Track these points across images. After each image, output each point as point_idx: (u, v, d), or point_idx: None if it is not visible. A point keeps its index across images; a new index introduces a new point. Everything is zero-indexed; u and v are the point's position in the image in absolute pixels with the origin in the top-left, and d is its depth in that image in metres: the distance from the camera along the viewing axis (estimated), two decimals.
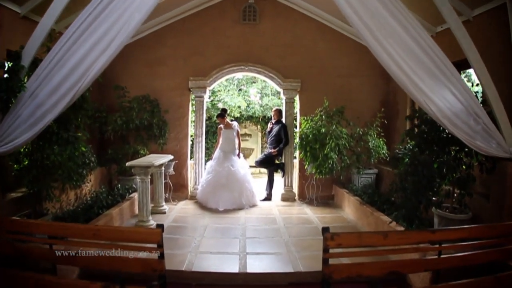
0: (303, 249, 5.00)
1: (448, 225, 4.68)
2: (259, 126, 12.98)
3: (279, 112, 7.95)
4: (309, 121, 7.15)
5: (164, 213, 6.74)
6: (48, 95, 3.70)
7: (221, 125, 7.62)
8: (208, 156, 9.24)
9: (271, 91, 11.58)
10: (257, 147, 13.31)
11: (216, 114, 11.62)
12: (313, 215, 6.81)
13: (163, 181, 6.90)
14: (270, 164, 7.90)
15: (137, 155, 7.40)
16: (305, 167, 7.40)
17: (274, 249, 5.07)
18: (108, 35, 3.60)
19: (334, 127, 6.93)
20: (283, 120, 7.98)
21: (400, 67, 3.72)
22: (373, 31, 3.67)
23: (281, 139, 7.72)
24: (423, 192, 4.44)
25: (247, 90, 11.62)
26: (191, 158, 8.28)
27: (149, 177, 5.84)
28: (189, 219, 6.44)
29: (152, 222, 5.86)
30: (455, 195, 4.84)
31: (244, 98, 11.49)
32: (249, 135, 13.11)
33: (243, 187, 7.21)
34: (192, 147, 8.30)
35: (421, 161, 4.44)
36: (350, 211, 6.88)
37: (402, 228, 4.61)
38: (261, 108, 11.55)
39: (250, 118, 12.48)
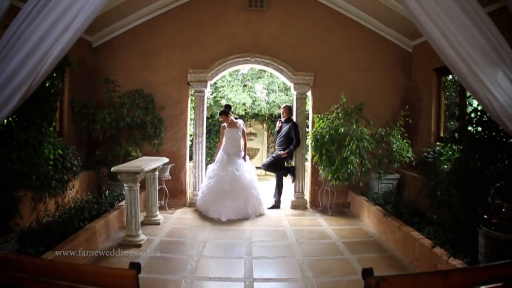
0: (322, 273, 4.14)
1: (497, 247, 3.81)
2: (265, 125, 12.17)
3: (289, 109, 7.08)
4: (324, 119, 6.28)
5: (158, 223, 5.91)
6: (1, 87, 2.86)
7: (225, 124, 6.77)
8: (210, 158, 8.42)
9: (278, 87, 10.72)
10: (263, 147, 12.51)
11: (219, 111, 10.87)
12: (328, 227, 5.95)
13: (157, 187, 6.06)
14: (278, 167, 7.05)
15: (129, 157, 6.57)
16: (320, 172, 6.54)
17: (287, 273, 4.23)
18: (72, 9, 2.75)
19: (354, 126, 6.06)
20: (294, 118, 7.11)
21: (457, 50, 2.84)
22: (422, 3, 2.79)
23: (291, 139, 6.86)
24: (473, 208, 3.57)
25: (253, 86, 10.76)
26: (190, 160, 7.44)
27: (138, 184, 5.00)
28: (187, 232, 5.61)
29: (143, 237, 5.02)
30: (503, 209, 3.98)
31: (250, 94, 10.64)
32: (255, 134, 12.32)
33: (249, 195, 6.36)
34: (191, 148, 7.46)
35: (472, 169, 3.55)
36: (370, 222, 6.01)
37: (445, 253, 3.74)
38: (268, 106, 10.69)
39: (256, 116, 11.64)
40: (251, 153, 12.42)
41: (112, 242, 4.99)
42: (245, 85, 10.89)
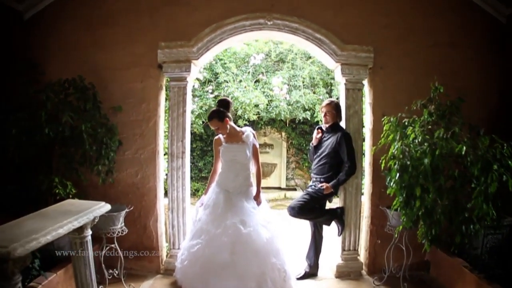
0: None
1: None
2: (284, 133, 9.22)
3: (336, 108, 4.03)
4: (416, 125, 3.27)
5: None
6: None
7: (220, 136, 3.76)
8: (201, 190, 5.36)
9: (303, 82, 7.77)
10: (282, 162, 9.60)
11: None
12: None
13: (91, 256, 3.16)
14: (318, 212, 4.01)
15: (52, 197, 3.72)
16: (390, 214, 3.54)
17: None
18: None
19: (466, 140, 3.05)
20: (342, 124, 4.14)
21: None
22: None
23: (340, 161, 3.89)
24: None
25: (268, 80, 7.83)
26: (165, 195, 4.51)
27: (18, 277, 2.13)
28: None
29: None
30: None
31: (264, 92, 7.73)
32: (271, 146, 9.43)
33: (266, 268, 3.35)
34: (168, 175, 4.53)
35: None
36: None
37: None
38: (289, 108, 7.75)
39: (272, 122, 8.74)
40: (266, 170, 9.53)
41: None
42: (257, 80, 7.99)
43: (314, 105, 7.72)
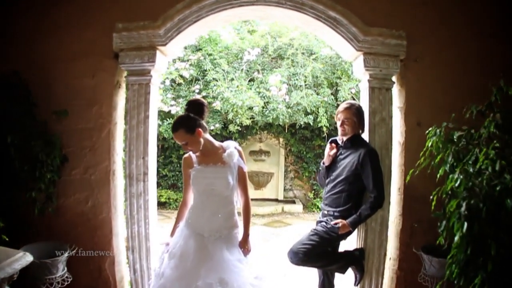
0: None
1: None
2: (281, 139, 8.21)
3: (358, 114, 2.87)
4: (472, 142, 2.22)
5: None
6: None
7: (190, 154, 2.57)
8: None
9: (305, 81, 6.70)
10: (279, 171, 8.65)
11: (213, 123, 6.88)
12: None
13: None
14: (329, 258, 2.90)
15: None
16: (449, 275, 2.48)
17: None
18: None
19: None
20: (364, 136, 3.03)
21: None
22: None
23: (362, 188, 2.81)
24: None
25: (265, 79, 6.76)
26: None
27: None
28: None
29: None
30: None
31: (259, 93, 6.66)
32: (267, 153, 8.52)
33: None
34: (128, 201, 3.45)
35: None
36: None
37: None
38: (289, 111, 6.67)
39: (269, 126, 7.67)
40: (261, 180, 8.58)
41: None
42: (252, 79, 6.91)
43: (318, 108, 6.65)
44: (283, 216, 7.71)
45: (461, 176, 2.08)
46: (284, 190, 8.74)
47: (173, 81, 6.63)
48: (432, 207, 2.27)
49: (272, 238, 6.15)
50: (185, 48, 6.66)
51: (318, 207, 8.21)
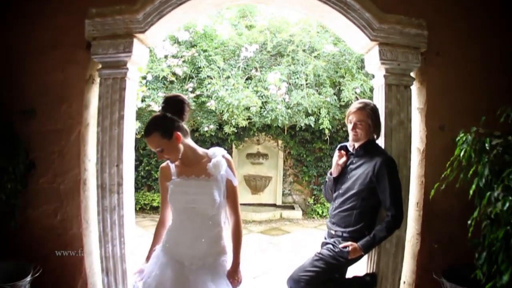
0: None
1: None
2: (280, 142, 7.83)
3: (373, 115, 2.39)
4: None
5: None
6: None
7: (168, 163, 2.12)
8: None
9: (306, 79, 6.27)
10: (277, 175, 8.34)
11: (208, 124, 6.43)
12: None
13: None
14: (335, 286, 2.46)
15: None
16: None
17: None
18: None
19: None
20: (380, 142, 2.58)
21: None
22: None
23: (376, 204, 2.38)
24: None
25: (263, 77, 6.33)
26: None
27: None
28: None
29: None
30: None
31: (257, 92, 6.23)
32: (265, 156, 8.18)
33: None
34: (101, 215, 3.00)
35: None
36: None
37: None
38: (289, 111, 6.25)
39: (267, 128, 7.26)
40: (259, 184, 8.19)
41: None
42: (249, 77, 6.49)
43: (319, 109, 6.23)
44: (281, 223, 7.30)
45: (508, 197, 1.66)
46: (283, 195, 8.36)
47: (164, 78, 6.19)
48: (469, 234, 1.84)
49: (270, 248, 5.73)
50: (179, 44, 6.23)
51: (318, 213, 7.82)
